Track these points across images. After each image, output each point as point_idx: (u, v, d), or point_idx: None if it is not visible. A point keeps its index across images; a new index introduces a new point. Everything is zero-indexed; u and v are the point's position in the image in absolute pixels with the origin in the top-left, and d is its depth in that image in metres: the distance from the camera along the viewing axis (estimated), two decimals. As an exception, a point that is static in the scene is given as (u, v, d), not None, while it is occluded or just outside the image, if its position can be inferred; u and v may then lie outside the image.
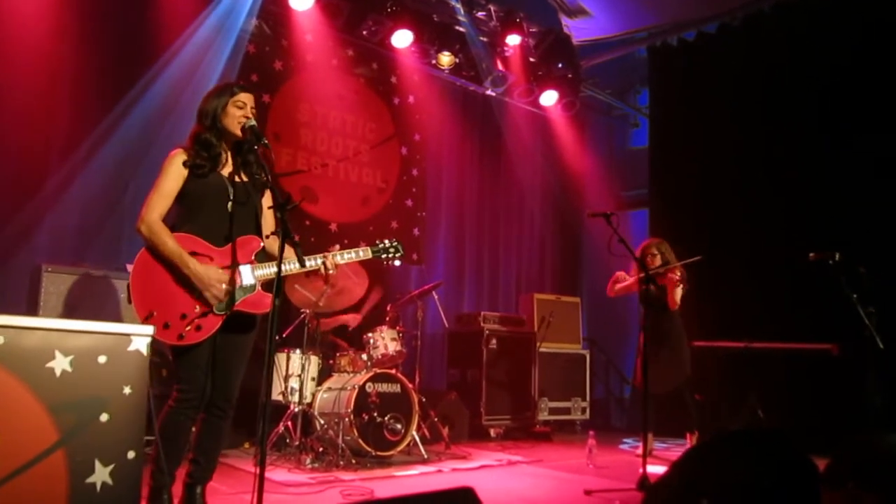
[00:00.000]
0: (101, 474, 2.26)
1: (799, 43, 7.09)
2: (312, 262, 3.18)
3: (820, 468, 2.81)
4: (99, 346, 2.34)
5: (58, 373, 2.25)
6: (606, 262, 8.94)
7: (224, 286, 2.98)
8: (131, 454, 2.33)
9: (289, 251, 3.01)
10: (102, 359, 2.34)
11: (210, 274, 2.95)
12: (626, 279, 6.04)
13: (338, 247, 6.82)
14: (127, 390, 2.36)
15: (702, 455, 2.87)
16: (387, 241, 3.51)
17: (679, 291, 5.84)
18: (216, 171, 3.09)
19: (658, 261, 5.97)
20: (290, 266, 3.08)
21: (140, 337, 2.41)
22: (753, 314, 6.71)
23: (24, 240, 5.19)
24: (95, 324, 2.33)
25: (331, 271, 3.23)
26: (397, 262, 3.56)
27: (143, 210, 2.98)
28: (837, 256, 4.91)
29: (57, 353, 2.26)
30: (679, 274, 5.83)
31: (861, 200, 6.46)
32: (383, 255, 3.48)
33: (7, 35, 5.28)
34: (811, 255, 5.04)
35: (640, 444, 6.02)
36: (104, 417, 2.31)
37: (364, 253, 3.37)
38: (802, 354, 6.19)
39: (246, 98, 3.15)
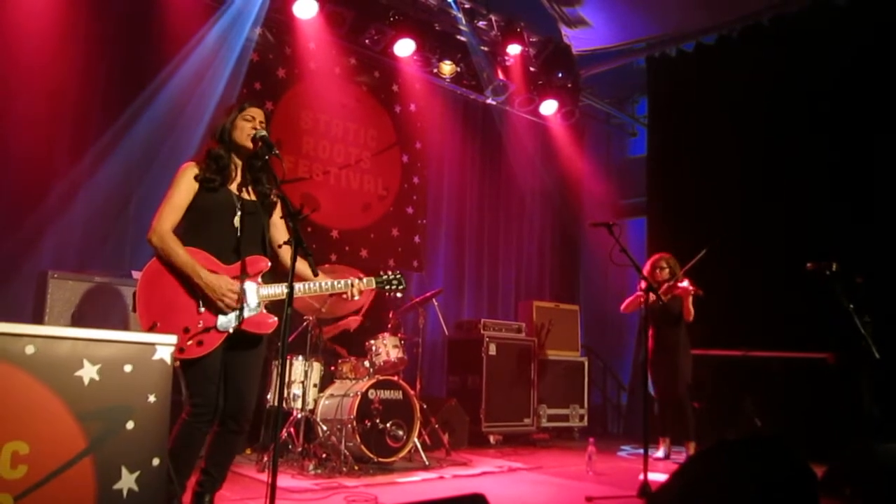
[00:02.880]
0: (127, 481, 2.31)
1: (797, 55, 7.19)
2: (340, 285, 3.30)
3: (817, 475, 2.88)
4: (125, 355, 2.39)
5: (86, 381, 2.30)
6: (605, 270, 9.08)
7: (235, 295, 3.01)
8: (156, 461, 2.38)
9: (302, 263, 3.06)
10: (128, 367, 2.39)
11: (221, 283, 2.99)
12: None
13: (334, 257, 6.90)
14: (152, 398, 2.42)
15: (702, 463, 2.93)
16: (390, 273, 3.57)
17: (690, 303, 5.95)
18: (225, 187, 3.14)
19: (667, 274, 6.09)
20: (304, 287, 3.14)
21: (164, 346, 2.46)
22: (750, 323, 6.79)
23: (30, 247, 5.22)
24: (121, 333, 2.39)
25: (355, 297, 3.34)
26: (399, 295, 3.62)
27: (155, 221, 3.02)
28: (834, 266, 4.98)
29: (85, 362, 2.30)
30: (689, 282, 5.95)
31: (857, 211, 6.55)
32: (386, 287, 3.55)
33: (14, 44, 5.32)
34: (808, 264, 5.10)
35: (658, 448, 6.13)
36: (130, 425, 2.36)
37: (368, 283, 3.43)
38: (799, 363, 6.27)
39: (254, 112, 3.21)
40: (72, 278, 4.84)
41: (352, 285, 3.31)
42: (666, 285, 6.02)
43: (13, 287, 5.07)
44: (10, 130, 5.26)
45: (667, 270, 6.14)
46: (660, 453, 6.13)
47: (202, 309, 3.00)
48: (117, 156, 5.67)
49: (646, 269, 6.21)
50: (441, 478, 4.91)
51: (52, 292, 4.74)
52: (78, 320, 4.77)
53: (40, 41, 5.45)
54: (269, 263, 3.19)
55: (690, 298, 6.01)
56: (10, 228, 5.16)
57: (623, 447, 7.05)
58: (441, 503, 2.16)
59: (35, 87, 5.40)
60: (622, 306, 6.31)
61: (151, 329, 2.89)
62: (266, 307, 3.16)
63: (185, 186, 3.08)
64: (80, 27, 5.66)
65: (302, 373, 5.24)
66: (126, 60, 5.90)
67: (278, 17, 6.77)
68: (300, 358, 5.30)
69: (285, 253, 3.25)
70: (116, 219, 5.64)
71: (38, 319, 4.70)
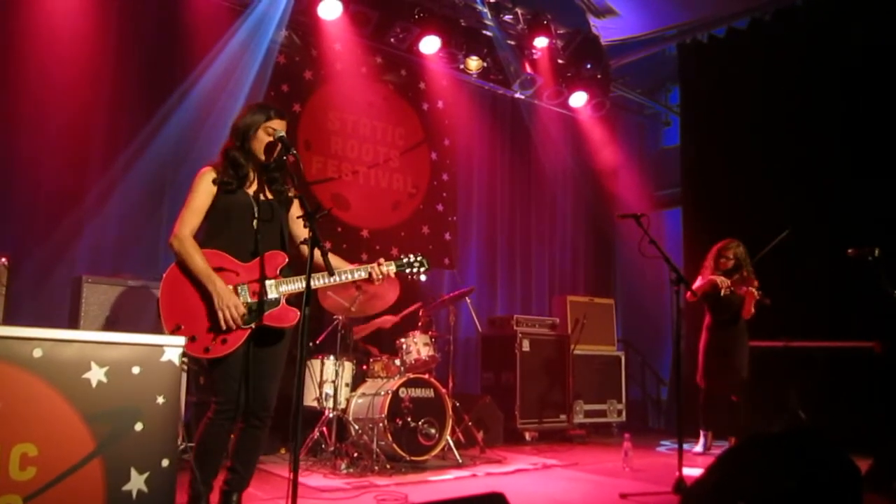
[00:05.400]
0: (136, 482, 2.33)
1: (832, 36, 6.96)
2: (360, 273, 3.26)
3: (863, 469, 2.76)
4: (133, 357, 2.40)
5: (94, 383, 2.32)
6: (640, 263, 8.92)
7: (238, 313, 2.98)
8: (165, 462, 2.39)
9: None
10: (136, 369, 2.40)
11: (232, 299, 2.98)
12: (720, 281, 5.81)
13: (365, 257, 6.90)
14: (160, 400, 2.42)
15: (738, 458, 2.83)
16: (411, 256, 3.46)
17: (752, 305, 5.77)
18: (243, 189, 3.17)
19: (731, 265, 5.88)
20: (321, 282, 3.12)
21: (172, 347, 2.47)
22: (791, 312, 6.57)
23: (65, 252, 5.35)
24: (129, 335, 2.40)
25: (376, 282, 3.30)
26: (423, 278, 3.49)
27: (176, 226, 3.07)
28: (877, 252, 4.81)
29: (93, 365, 2.32)
30: (756, 285, 5.75)
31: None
32: (407, 270, 3.43)
33: (46, 52, 5.44)
34: (850, 250, 4.94)
35: (697, 442, 5.99)
36: (139, 427, 2.37)
37: (387, 266, 3.33)
38: (843, 353, 6.07)
39: (277, 125, 3.16)
40: (105, 282, 4.95)
41: (371, 270, 3.26)
42: (731, 282, 5.79)
43: (50, 291, 5.19)
44: (44, 138, 5.39)
45: (732, 262, 5.91)
46: (698, 447, 5.99)
47: None
48: (149, 159, 5.78)
49: (709, 257, 6.04)
50: (474, 476, 4.86)
51: (87, 296, 4.84)
52: (112, 323, 4.86)
53: (71, 50, 5.57)
54: (287, 258, 3.19)
55: (754, 301, 5.79)
56: (46, 234, 5.29)
57: (662, 442, 6.93)
58: (459, 502, 2.11)
59: (66, 96, 5.53)
60: (693, 288, 5.96)
61: (175, 331, 2.92)
62: (288, 301, 3.16)
63: (204, 191, 3.11)
64: (109, 35, 5.79)
65: (333, 372, 5.25)
66: (155, 65, 6.01)
67: (303, 19, 6.80)
68: (331, 357, 5.31)
69: (306, 249, 3.25)
70: (149, 222, 5.73)
71: (73, 323, 4.81)
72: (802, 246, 6.78)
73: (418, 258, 3.46)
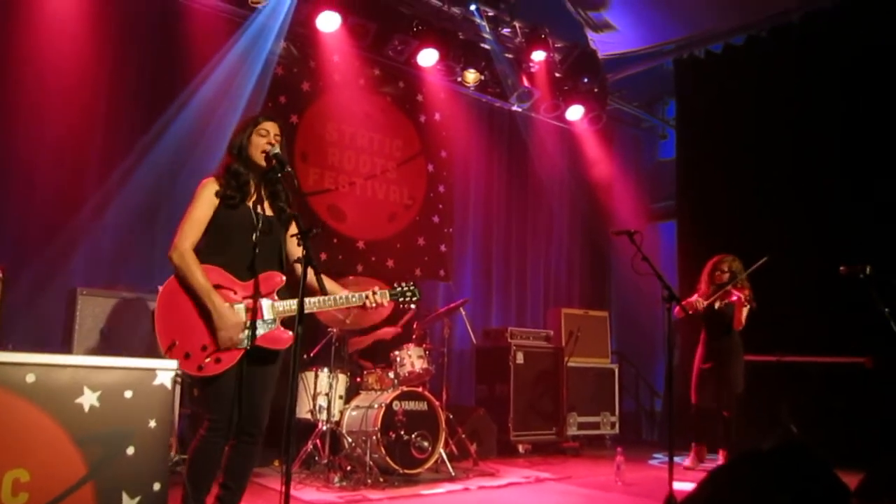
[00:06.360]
0: (127, 507, 2.34)
1: (827, 53, 7.02)
2: (354, 300, 3.28)
3: (854, 483, 2.77)
4: (125, 381, 2.41)
5: (86, 408, 2.32)
6: (634, 275, 8.93)
7: (239, 334, 3.00)
8: (157, 486, 2.39)
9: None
10: (128, 393, 2.41)
11: (231, 318, 2.99)
12: (696, 303, 5.86)
13: (361, 268, 6.92)
14: (152, 424, 2.43)
15: (730, 473, 2.85)
16: (404, 285, 3.50)
17: (745, 311, 5.81)
18: (244, 203, 3.16)
19: (726, 278, 5.92)
20: (314, 302, 3.14)
21: (164, 371, 2.48)
22: (784, 327, 6.61)
23: (60, 264, 5.33)
24: (122, 360, 2.41)
25: (369, 309, 3.35)
26: (412, 307, 3.58)
27: (176, 238, 3.04)
28: (868, 269, 4.84)
29: (85, 389, 2.33)
30: (747, 293, 5.78)
31: (892, 212, 6.35)
32: (400, 299, 3.48)
33: (43, 61, 5.46)
34: (842, 268, 4.97)
35: (689, 455, 6.01)
36: (130, 451, 2.38)
37: (381, 295, 3.35)
38: (835, 368, 6.10)
39: (269, 126, 3.20)
40: (100, 294, 4.95)
41: (365, 298, 3.30)
42: (719, 293, 5.84)
43: (45, 303, 5.17)
44: (40, 150, 5.40)
45: (727, 275, 5.94)
46: (688, 462, 5.99)
47: None
48: (145, 171, 5.77)
49: (705, 271, 6.07)
50: (466, 489, 4.87)
51: (82, 308, 4.85)
52: (107, 335, 4.86)
53: (69, 59, 5.59)
54: (284, 279, 3.19)
55: (745, 309, 5.83)
56: (42, 245, 5.29)
57: (656, 455, 6.93)
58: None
59: (64, 106, 5.54)
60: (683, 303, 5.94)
61: (170, 347, 2.91)
62: (283, 322, 3.17)
63: (206, 202, 3.09)
64: (107, 45, 5.80)
65: (327, 384, 5.25)
66: (152, 77, 6.03)
67: (301, 30, 6.83)
68: (325, 370, 5.32)
69: (299, 268, 3.26)
70: (145, 234, 5.73)
71: (68, 335, 4.81)
72: (796, 261, 6.82)
73: (410, 287, 3.50)
